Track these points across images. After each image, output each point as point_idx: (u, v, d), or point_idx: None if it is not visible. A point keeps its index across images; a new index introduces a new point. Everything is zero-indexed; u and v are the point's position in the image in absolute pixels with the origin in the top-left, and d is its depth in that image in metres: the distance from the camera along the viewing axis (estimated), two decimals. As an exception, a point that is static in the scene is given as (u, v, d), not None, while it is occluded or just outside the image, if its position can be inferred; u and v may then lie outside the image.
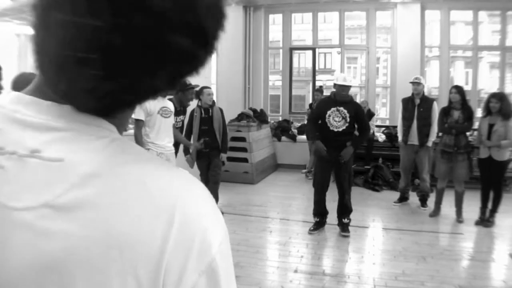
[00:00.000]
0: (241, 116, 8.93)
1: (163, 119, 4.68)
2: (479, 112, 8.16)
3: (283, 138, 9.67)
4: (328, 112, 5.07)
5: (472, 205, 5.72)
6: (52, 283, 0.43)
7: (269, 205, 6.62)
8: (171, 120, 4.82)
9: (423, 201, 6.41)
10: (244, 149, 8.17)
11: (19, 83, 2.68)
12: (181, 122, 5.46)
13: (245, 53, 10.20)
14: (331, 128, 5.04)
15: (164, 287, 0.45)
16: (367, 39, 10.19)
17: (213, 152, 5.68)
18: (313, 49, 10.74)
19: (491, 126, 5.41)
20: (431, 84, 12.99)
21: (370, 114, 8.43)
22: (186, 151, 5.70)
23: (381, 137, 8.81)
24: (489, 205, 5.55)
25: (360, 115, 5.15)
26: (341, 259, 4.52)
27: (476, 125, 6.07)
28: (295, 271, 4.10)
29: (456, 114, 5.65)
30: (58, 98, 0.50)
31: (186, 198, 0.49)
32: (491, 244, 5.06)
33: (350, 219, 5.20)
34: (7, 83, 4.01)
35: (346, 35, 10.74)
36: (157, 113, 4.63)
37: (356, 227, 5.35)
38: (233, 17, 9.99)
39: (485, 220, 5.53)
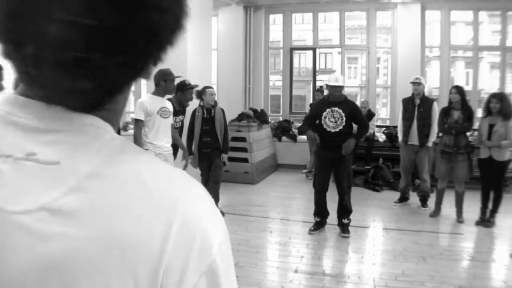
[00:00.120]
0: (242, 116, 8.94)
1: (162, 120, 4.68)
2: (479, 112, 8.16)
3: (284, 138, 9.68)
4: (324, 114, 5.07)
5: (472, 206, 5.72)
6: (53, 284, 0.43)
7: (269, 205, 6.62)
8: (170, 120, 4.82)
9: (424, 201, 6.41)
10: (244, 149, 8.17)
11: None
12: (180, 122, 5.46)
13: (245, 53, 10.21)
14: (328, 130, 5.04)
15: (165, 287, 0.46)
16: (368, 39, 10.19)
17: (214, 152, 5.68)
18: (314, 49, 10.74)
19: (491, 126, 5.41)
20: (432, 84, 12.99)
21: (371, 114, 8.43)
22: (190, 152, 5.71)
23: (381, 137, 8.82)
24: (490, 206, 5.55)
25: (357, 114, 5.15)
26: (341, 259, 4.52)
27: (476, 125, 6.07)
28: (295, 271, 4.10)
29: (456, 114, 5.65)
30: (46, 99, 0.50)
31: (186, 199, 0.49)
32: (491, 244, 5.06)
33: (350, 220, 5.20)
34: (8, 83, 4.02)
35: (347, 35, 10.75)
36: (157, 113, 4.62)
37: (356, 227, 5.35)
38: (234, 17, 10.01)
39: (486, 221, 5.53)
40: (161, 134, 4.69)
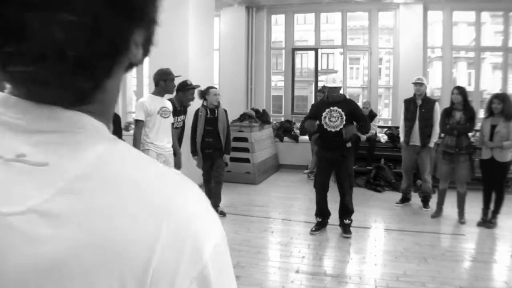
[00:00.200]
0: (243, 117, 8.94)
1: (162, 120, 4.67)
2: (481, 113, 8.15)
3: (285, 138, 9.68)
4: (324, 114, 5.08)
5: (474, 206, 5.71)
6: (43, 287, 0.43)
7: (271, 206, 6.62)
8: (170, 120, 4.81)
9: (425, 202, 6.41)
10: (246, 150, 8.18)
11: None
12: (182, 122, 5.45)
13: (247, 53, 10.22)
14: (328, 129, 5.05)
15: None
16: (370, 39, 10.20)
17: (216, 153, 5.69)
18: (316, 50, 10.74)
19: (493, 127, 5.40)
20: (434, 85, 12.96)
21: (372, 115, 8.43)
22: (194, 152, 5.71)
23: (383, 137, 8.82)
24: (491, 206, 5.55)
25: (356, 112, 5.15)
26: (343, 260, 4.52)
27: (478, 126, 6.06)
28: (297, 272, 4.10)
29: (458, 115, 5.65)
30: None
31: (178, 201, 0.48)
32: (493, 245, 5.06)
33: (351, 220, 5.20)
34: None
35: (349, 36, 10.74)
36: (157, 113, 4.61)
37: (357, 227, 5.35)
38: (236, 17, 10.03)
39: (487, 221, 5.53)
40: (161, 134, 4.68)
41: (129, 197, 0.45)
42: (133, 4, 0.49)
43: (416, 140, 6.21)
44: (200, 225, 0.48)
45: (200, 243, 0.46)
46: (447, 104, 6.09)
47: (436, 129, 6.07)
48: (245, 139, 8.22)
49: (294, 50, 10.77)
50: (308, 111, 5.58)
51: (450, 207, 5.93)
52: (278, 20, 11.40)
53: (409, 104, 6.33)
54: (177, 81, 4.94)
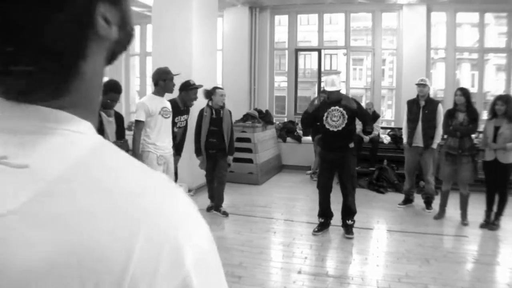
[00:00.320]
0: (246, 117, 8.95)
1: (164, 120, 4.66)
2: (484, 115, 8.13)
3: (288, 139, 9.69)
4: (325, 114, 5.09)
5: (477, 208, 5.69)
6: None
7: (274, 206, 6.63)
8: (170, 120, 4.80)
9: (428, 203, 6.40)
10: (249, 150, 8.18)
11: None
12: (185, 122, 5.46)
13: (250, 53, 10.23)
14: (330, 129, 5.06)
15: None
16: (373, 40, 10.18)
17: (219, 153, 5.69)
18: (319, 50, 10.74)
19: (496, 128, 5.39)
20: (437, 86, 12.94)
21: (375, 116, 8.43)
22: (198, 152, 5.71)
23: (386, 139, 8.82)
24: (495, 208, 5.53)
25: (357, 108, 5.12)
26: (345, 261, 4.52)
27: (481, 127, 6.05)
28: (299, 272, 4.11)
29: (461, 116, 5.64)
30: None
31: (158, 209, 0.45)
32: (495, 247, 5.04)
33: (354, 221, 5.20)
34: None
35: (352, 37, 10.72)
36: (158, 113, 4.60)
37: (360, 228, 5.35)
38: (239, 18, 10.03)
39: (490, 223, 5.51)
40: (163, 135, 4.68)
41: (106, 203, 0.43)
42: None
43: (419, 141, 6.20)
44: (181, 233, 0.45)
45: (181, 251, 0.44)
46: (450, 106, 6.08)
47: (439, 130, 6.06)
48: (248, 140, 8.23)
49: (297, 50, 10.76)
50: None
51: (453, 209, 5.92)
52: (282, 21, 11.40)
53: (412, 105, 6.33)
54: (176, 79, 4.93)
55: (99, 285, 0.41)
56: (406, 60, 9.41)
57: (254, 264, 4.22)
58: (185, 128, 5.52)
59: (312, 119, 5.28)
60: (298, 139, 9.62)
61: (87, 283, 0.41)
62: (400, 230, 5.47)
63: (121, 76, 10.27)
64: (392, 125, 9.97)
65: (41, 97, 0.47)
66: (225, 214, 5.84)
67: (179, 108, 5.25)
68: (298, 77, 10.84)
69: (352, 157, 5.16)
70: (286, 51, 10.92)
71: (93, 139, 0.49)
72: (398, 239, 5.17)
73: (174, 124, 5.14)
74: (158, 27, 7.08)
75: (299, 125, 9.96)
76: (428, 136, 6.11)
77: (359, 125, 5.72)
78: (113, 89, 4.34)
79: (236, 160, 6.43)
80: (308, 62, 20.25)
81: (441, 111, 6.11)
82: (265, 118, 9.28)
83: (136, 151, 4.51)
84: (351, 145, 5.10)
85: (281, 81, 13.50)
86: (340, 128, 5.02)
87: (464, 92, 5.68)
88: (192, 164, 6.18)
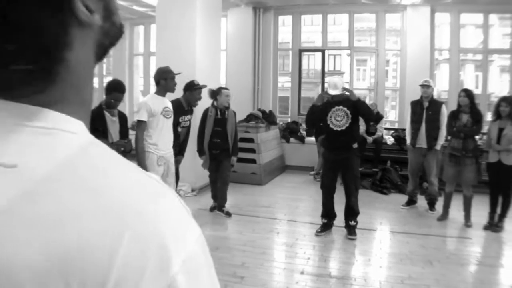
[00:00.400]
0: (250, 117, 8.95)
1: (165, 120, 4.64)
2: (489, 116, 8.11)
3: (292, 139, 9.68)
4: (329, 114, 5.10)
5: (480, 210, 5.68)
6: None
7: (277, 207, 6.62)
8: (172, 120, 4.80)
9: (431, 204, 6.39)
10: (252, 150, 8.18)
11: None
12: (188, 122, 5.46)
13: (254, 54, 10.23)
14: (334, 129, 5.06)
15: None
16: (377, 41, 10.17)
17: (223, 153, 5.70)
18: (323, 51, 10.73)
19: (500, 130, 5.38)
20: (441, 87, 12.91)
21: (379, 117, 8.38)
22: (201, 152, 5.71)
23: (389, 139, 8.80)
24: (498, 210, 5.52)
25: (359, 105, 5.09)
26: (348, 262, 4.51)
27: (485, 129, 6.03)
28: (301, 273, 4.10)
29: (465, 117, 5.63)
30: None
31: (145, 210, 0.44)
32: (499, 249, 5.02)
33: (357, 222, 5.19)
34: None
35: (356, 37, 10.72)
36: (160, 113, 4.59)
37: (363, 229, 5.34)
38: (243, 18, 10.04)
39: (494, 225, 5.50)
40: (165, 135, 4.67)
41: (92, 203, 0.43)
42: None
43: (422, 142, 6.19)
44: (168, 235, 0.44)
45: (168, 254, 0.43)
46: (454, 107, 6.07)
47: (443, 131, 6.05)
48: (251, 140, 8.23)
49: (301, 51, 10.76)
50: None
51: (456, 210, 5.90)
52: (285, 21, 11.39)
53: (416, 106, 6.32)
54: (179, 79, 4.93)
55: (84, 285, 0.40)
56: (410, 61, 9.39)
57: (257, 265, 4.22)
58: (188, 128, 5.52)
59: (317, 118, 5.28)
60: (301, 139, 9.62)
61: (72, 283, 0.40)
62: (403, 232, 5.46)
63: (125, 76, 10.31)
64: (396, 126, 9.95)
65: (25, 92, 0.46)
66: (228, 214, 5.85)
67: (183, 108, 5.25)
68: (301, 77, 10.84)
69: (356, 158, 5.16)
70: (290, 52, 10.91)
71: (83, 138, 0.48)
72: (401, 240, 5.16)
73: (178, 124, 5.14)
74: (162, 27, 7.10)
75: (303, 125, 9.97)
76: (432, 137, 6.10)
77: (362, 126, 5.72)
78: (116, 89, 4.34)
79: (239, 160, 6.44)
80: (311, 62, 20.24)
81: (445, 112, 6.09)
82: (268, 118, 9.28)
83: (139, 151, 4.50)
84: (355, 145, 5.10)
85: (285, 82, 13.49)
86: (344, 128, 5.03)
87: (468, 93, 5.67)
88: (195, 164, 6.19)
